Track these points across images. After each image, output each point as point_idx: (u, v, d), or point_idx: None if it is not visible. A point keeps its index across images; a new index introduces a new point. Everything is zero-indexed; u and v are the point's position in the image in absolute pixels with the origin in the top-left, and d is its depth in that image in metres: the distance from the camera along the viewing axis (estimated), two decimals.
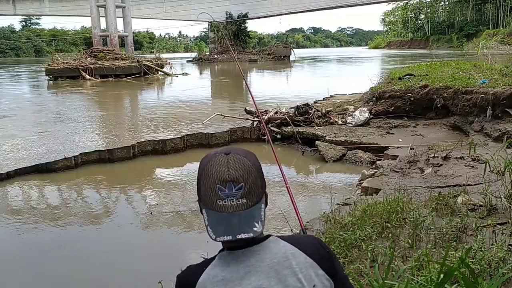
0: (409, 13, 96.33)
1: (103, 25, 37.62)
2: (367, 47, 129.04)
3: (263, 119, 9.44)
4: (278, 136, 9.12)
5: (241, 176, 1.07)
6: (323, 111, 9.67)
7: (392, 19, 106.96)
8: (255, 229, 1.06)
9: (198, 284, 1.09)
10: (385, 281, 2.27)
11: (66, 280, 4.21)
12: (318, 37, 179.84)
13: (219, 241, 1.05)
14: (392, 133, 8.45)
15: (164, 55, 41.18)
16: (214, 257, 1.14)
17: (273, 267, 1.08)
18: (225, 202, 1.05)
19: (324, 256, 1.15)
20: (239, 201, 1.06)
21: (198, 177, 1.11)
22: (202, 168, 1.09)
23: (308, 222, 3.86)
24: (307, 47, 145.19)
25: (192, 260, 4.56)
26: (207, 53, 54.43)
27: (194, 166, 8.18)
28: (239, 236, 1.04)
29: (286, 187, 2.03)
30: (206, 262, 1.14)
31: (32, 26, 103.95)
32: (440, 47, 67.81)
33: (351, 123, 9.12)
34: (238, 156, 1.09)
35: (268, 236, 1.13)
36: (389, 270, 2.31)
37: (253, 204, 1.07)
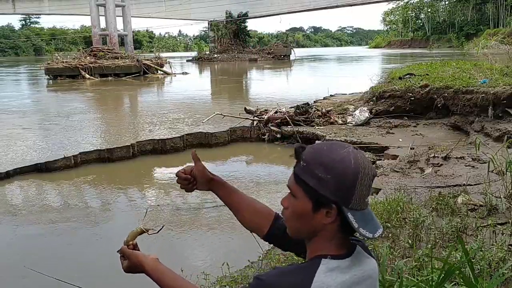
0: (409, 12, 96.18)
1: (102, 24, 37.55)
2: (367, 46, 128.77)
3: (263, 118, 9.44)
4: (278, 135, 9.11)
5: None
6: (323, 110, 9.66)
7: (393, 18, 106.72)
8: None
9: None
10: (385, 278, 2.26)
11: (66, 280, 4.20)
12: (318, 37, 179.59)
13: (376, 237, 1.00)
14: (392, 133, 8.44)
15: (163, 54, 40.99)
16: (303, 263, 1.04)
17: (371, 276, 1.05)
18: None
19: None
20: None
21: (343, 182, 0.97)
22: (357, 169, 0.97)
23: None
24: (307, 47, 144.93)
25: (192, 260, 4.54)
26: (207, 52, 54.34)
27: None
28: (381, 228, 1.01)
29: None
30: (305, 268, 1.01)
31: (31, 25, 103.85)
32: (441, 47, 67.76)
33: (351, 123, 9.12)
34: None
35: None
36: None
37: None
